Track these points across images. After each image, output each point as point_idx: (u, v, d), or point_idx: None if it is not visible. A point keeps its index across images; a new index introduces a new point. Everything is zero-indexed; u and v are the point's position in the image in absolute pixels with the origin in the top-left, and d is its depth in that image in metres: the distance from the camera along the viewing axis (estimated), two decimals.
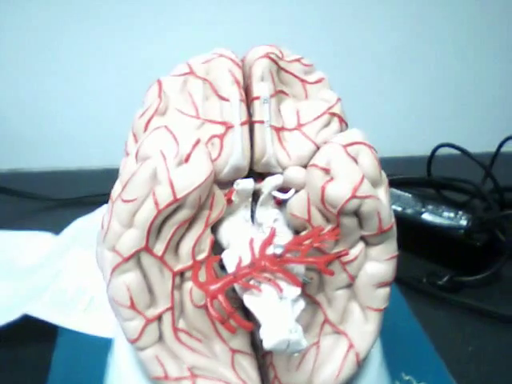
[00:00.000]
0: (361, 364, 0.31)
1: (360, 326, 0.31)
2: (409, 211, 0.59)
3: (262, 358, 0.31)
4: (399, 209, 0.60)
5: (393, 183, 0.60)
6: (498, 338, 0.49)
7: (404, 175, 0.69)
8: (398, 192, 0.63)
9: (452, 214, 0.58)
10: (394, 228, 0.30)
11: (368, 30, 0.81)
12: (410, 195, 0.62)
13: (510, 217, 0.56)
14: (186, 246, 0.28)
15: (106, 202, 0.30)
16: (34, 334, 0.46)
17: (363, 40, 0.82)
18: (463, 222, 0.57)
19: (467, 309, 0.52)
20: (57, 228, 0.61)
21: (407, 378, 0.41)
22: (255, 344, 0.31)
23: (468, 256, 0.56)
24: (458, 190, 0.67)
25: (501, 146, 0.68)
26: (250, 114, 0.30)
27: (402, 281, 0.53)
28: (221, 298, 0.25)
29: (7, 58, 0.77)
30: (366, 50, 0.82)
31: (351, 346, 0.30)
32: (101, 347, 0.41)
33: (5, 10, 0.73)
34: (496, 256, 0.55)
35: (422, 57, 0.84)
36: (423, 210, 0.59)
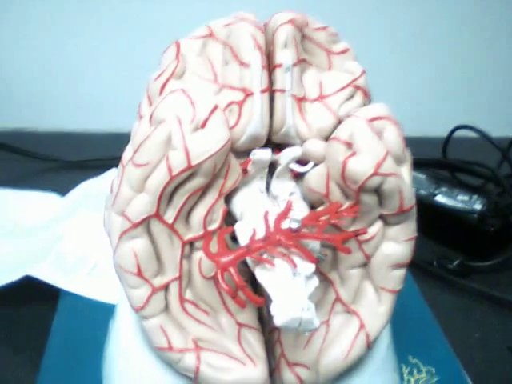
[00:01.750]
0: (371, 346, 0.30)
1: (373, 306, 0.30)
2: (422, 192, 0.58)
3: (269, 333, 0.30)
4: (412, 189, 0.58)
5: None
6: (506, 325, 0.48)
7: (419, 156, 0.68)
8: (412, 172, 0.61)
9: (466, 198, 0.57)
10: (415, 209, 0.29)
11: (388, 8, 0.79)
12: (424, 176, 0.61)
13: None
14: (198, 214, 0.27)
15: (113, 166, 0.30)
16: (35, 296, 0.45)
17: (382, 18, 0.80)
18: (477, 207, 0.56)
19: (476, 294, 0.51)
20: (62, 190, 0.60)
21: (414, 361, 0.41)
22: (262, 319, 0.30)
23: (480, 241, 0.55)
24: (473, 173, 0.65)
25: None
26: (270, 82, 0.29)
27: (412, 262, 0.52)
28: (232, 270, 0.24)
29: (15, 18, 0.76)
30: (385, 28, 0.81)
31: (362, 326, 0.30)
32: (102, 312, 0.41)
33: None
34: (509, 243, 0.54)
35: (442, 36, 0.83)
36: (437, 191, 0.58)
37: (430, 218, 0.56)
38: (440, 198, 0.57)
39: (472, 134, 0.62)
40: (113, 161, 0.60)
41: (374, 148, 0.26)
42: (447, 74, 0.85)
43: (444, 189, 0.59)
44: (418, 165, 0.65)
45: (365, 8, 0.79)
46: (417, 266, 0.53)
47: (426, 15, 0.81)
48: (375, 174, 0.26)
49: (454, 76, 0.85)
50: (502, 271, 0.54)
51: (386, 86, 0.78)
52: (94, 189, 0.59)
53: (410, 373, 0.40)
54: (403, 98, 0.83)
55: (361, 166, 0.26)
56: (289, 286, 0.24)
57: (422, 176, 0.61)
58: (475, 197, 0.57)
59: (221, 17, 0.31)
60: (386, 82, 0.79)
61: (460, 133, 0.64)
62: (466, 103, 0.85)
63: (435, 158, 0.68)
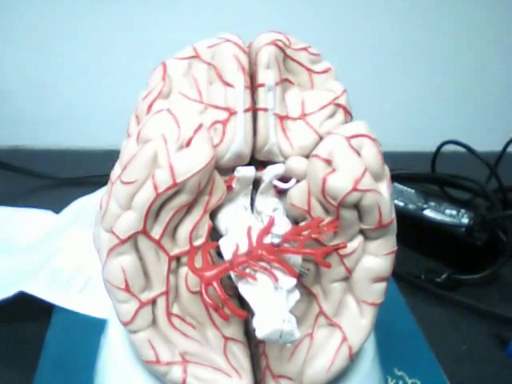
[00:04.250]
0: (353, 358, 0.31)
1: (354, 319, 0.30)
2: (411, 207, 0.59)
3: (255, 347, 0.31)
4: (401, 204, 0.59)
5: (396, 178, 0.60)
6: (493, 338, 0.48)
7: (408, 170, 0.69)
8: (401, 187, 0.63)
9: (454, 212, 0.58)
10: (394, 223, 0.30)
11: (375, 23, 0.81)
12: (412, 191, 0.62)
13: None
14: (184, 230, 0.28)
15: (107, 183, 0.30)
16: (29, 312, 0.46)
17: (370, 33, 0.81)
18: (465, 220, 0.56)
19: (464, 307, 0.52)
20: (57, 207, 0.61)
21: (400, 373, 0.41)
22: (249, 333, 0.31)
23: (468, 255, 0.56)
24: (461, 187, 0.66)
25: (507, 145, 0.67)
26: (254, 101, 0.30)
27: (400, 276, 0.53)
28: (215, 284, 0.25)
29: (13, 35, 0.77)
30: (373, 43, 0.82)
31: (344, 339, 0.30)
32: (95, 327, 0.41)
33: None
34: (496, 256, 0.55)
35: (430, 52, 0.84)
36: (425, 206, 0.59)
37: (418, 232, 0.57)
38: (428, 213, 0.58)
39: (461, 149, 0.63)
40: (107, 177, 0.60)
41: (352, 165, 0.27)
42: (435, 89, 0.86)
43: (432, 203, 0.59)
44: (407, 179, 0.67)
45: (353, 24, 0.80)
46: (405, 280, 0.54)
47: (414, 31, 0.82)
48: (354, 189, 0.27)
49: (442, 91, 0.86)
50: (490, 284, 0.55)
51: (374, 103, 0.79)
52: (88, 206, 0.60)
53: None
54: (392, 113, 0.84)
55: (340, 183, 0.27)
56: (270, 300, 0.25)
57: (411, 191, 0.62)
58: (463, 211, 0.58)
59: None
60: (374, 98, 0.81)
61: (449, 148, 0.65)
62: (454, 118, 0.86)
63: (424, 173, 0.69)
